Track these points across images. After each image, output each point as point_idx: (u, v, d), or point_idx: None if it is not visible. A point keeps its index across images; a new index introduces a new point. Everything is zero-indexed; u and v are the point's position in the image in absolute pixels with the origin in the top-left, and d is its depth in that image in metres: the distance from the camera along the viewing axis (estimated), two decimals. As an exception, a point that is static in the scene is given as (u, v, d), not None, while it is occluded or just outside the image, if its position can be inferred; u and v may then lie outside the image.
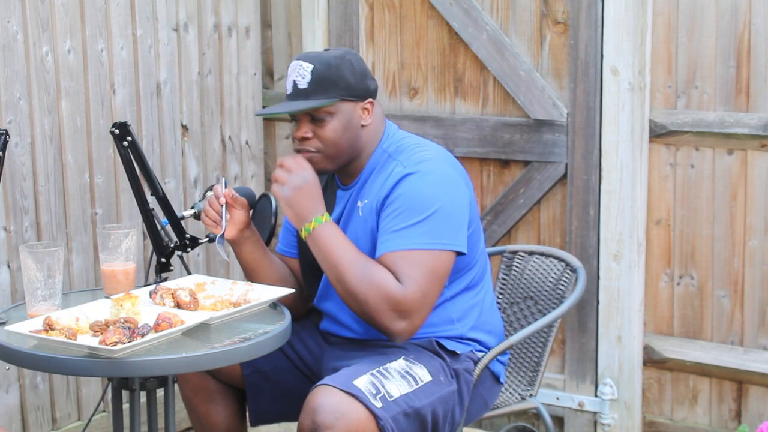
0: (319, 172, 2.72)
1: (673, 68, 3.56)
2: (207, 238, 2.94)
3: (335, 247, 2.59)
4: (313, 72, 2.64)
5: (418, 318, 2.58)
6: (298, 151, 2.70)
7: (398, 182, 2.63)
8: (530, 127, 3.75)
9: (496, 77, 3.79)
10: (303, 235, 2.63)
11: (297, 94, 2.66)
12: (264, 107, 4.22)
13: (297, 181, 2.63)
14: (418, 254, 2.57)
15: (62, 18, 3.39)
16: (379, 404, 2.47)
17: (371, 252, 2.66)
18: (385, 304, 2.54)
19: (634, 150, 3.58)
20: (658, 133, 3.59)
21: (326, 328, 2.84)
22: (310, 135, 2.67)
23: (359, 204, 2.71)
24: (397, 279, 2.56)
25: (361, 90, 2.69)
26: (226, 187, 2.73)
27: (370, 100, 2.71)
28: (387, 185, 2.65)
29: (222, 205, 2.71)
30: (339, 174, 2.79)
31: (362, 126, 2.70)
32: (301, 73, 2.66)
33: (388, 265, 2.57)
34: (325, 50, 2.72)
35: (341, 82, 2.65)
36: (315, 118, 2.65)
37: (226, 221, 2.71)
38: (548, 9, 3.69)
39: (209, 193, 2.77)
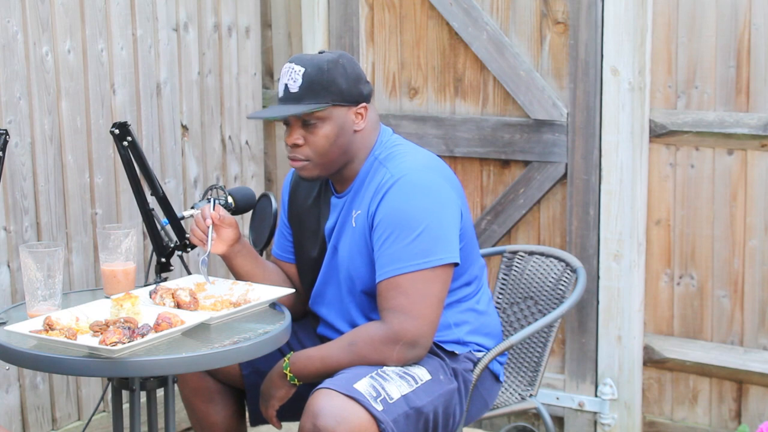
0: (310, 180, 2.72)
1: (673, 68, 3.56)
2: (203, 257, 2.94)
3: (316, 361, 2.63)
4: (304, 76, 2.62)
5: (425, 339, 2.61)
6: (289, 158, 2.69)
7: (385, 194, 2.62)
8: (530, 127, 3.75)
9: (496, 77, 3.78)
10: (296, 382, 2.67)
11: (288, 97, 2.64)
12: (264, 107, 4.22)
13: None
14: (413, 277, 2.57)
15: (62, 18, 3.39)
16: (380, 407, 2.47)
17: (367, 266, 2.67)
18: (390, 349, 2.58)
19: (634, 150, 3.58)
20: (658, 133, 3.59)
21: (323, 332, 2.85)
22: (301, 142, 2.65)
23: (353, 214, 2.70)
24: (384, 314, 2.58)
25: (354, 95, 2.65)
26: (214, 208, 2.73)
27: (363, 105, 2.68)
28: (377, 196, 2.64)
29: (208, 226, 2.71)
30: (332, 179, 2.78)
31: (355, 131, 2.67)
32: (292, 77, 2.63)
33: (381, 297, 2.60)
34: (320, 53, 2.70)
35: (333, 86, 2.62)
36: (307, 123, 2.63)
37: (212, 242, 2.71)
38: (548, 9, 3.69)
39: (196, 212, 2.76)
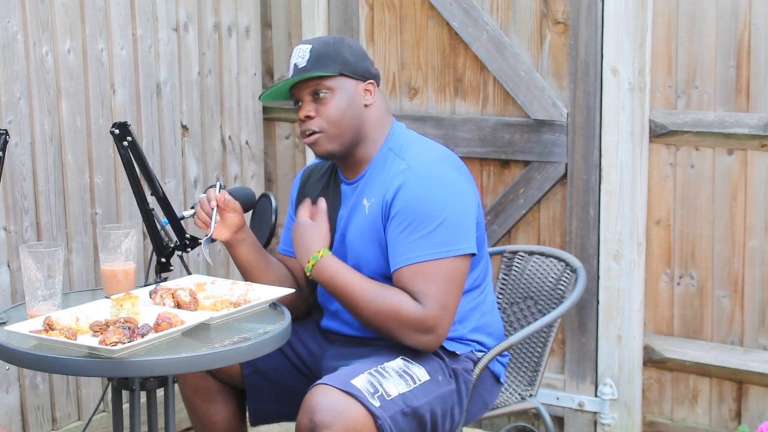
0: (325, 156, 2.74)
1: (673, 68, 3.56)
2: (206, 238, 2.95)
3: (342, 280, 2.62)
4: (311, 51, 2.70)
5: (442, 329, 2.61)
6: (303, 133, 2.72)
7: (402, 185, 2.63)
8: (530, 127, 3.75)
9: (496, 77, 3.79)
10: (307, 273, 2.67)
11: (297, 72, 2.71)
12: (264, 106, 4.23)
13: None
14: (434, 265, 2.58)
15: (62, 18, 3.39)
16: (377, 403, 2.47)
17: (376, 252, 2.67)
18: (407, 327, 2.58)
19: (634, 150, 3.58)
20: (658, 133, 3.59)
21: (327, 325, 2.85)
22: (312, 114, 2.69)
23: (365, 202, 2.71)
24: (415, 297, 2.58)
25: (361, 69, 2.72)
26: (219, 191, 2.74)
27: (371, 81, 2.74)
28: (393, 186, 2.65)
29: (213, 209, 2.72)
30: (343, 165, 2.79)
31: (365, 106, 2.72)
32: (300, 55, 2.71)
33: (404, 282, 2.60)
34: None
35: (339, 57, 2.69)
36: (317, 96, 2.68)
37: (215, 224, 2.72)
38: (548, 9, 3.69)
39: (202, 195, 2.78)
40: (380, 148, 2.73)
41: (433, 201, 2.61)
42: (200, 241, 2.92)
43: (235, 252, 2.81)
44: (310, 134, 2.70)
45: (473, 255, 2.67)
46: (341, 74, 2.68)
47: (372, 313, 2.59)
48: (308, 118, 2.70)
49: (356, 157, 2.75)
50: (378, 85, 2.77)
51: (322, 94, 2.68)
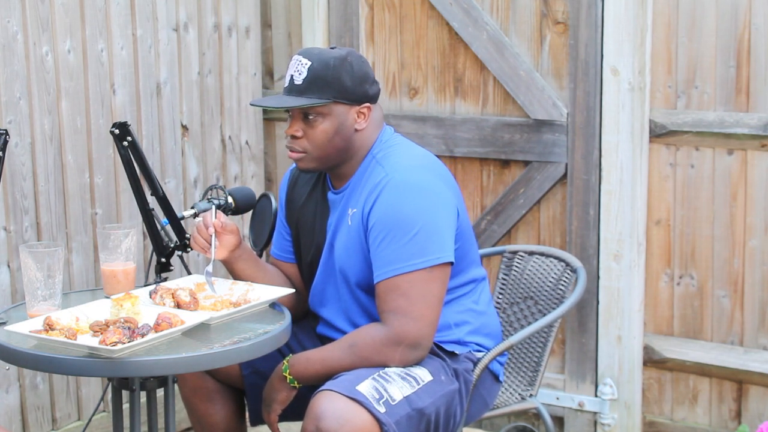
0: (307, 172, 2.74)
1: (673, 68, 3.56)
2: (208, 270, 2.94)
3: (316, 363, 2.63)
4: (309, 69, 2.63)
5: (426, 340, 2.61)
6: (288, 148, 2.70)
7: (379, 194, 2.62)
8: (530, 127, 3.75)
9: (496, 77, 3.79)
10: (296, 385, 2.67)
11: (292, 89, 2.65)
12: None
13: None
14: (410, 278, 2.57)
15: (62, 18, 3.39)
16: (382, 409, 2.47)
17: (361, 263, 2.67)
18: (392, 351, 2.58)
19: (634, 150, 3.58)
20: (658, 133, 3.59)
21: (323, 332, 2.85)
22: (300, 134, 2.66)
23: (349, 212, 2.71)
24: (394, 313, 2.57)
25: (358, 94, 2.66)
26: (216, 215, 2.73)
27: (367, 104, 2.69)
28: (371, 196, 2.64)
29: (211, 235, 2.72)
30: (330, 175, 2.78)
31: (356, 130, 2.68)
32: (298, 69, 2.65)
33: (381, 299, 2.60)
34: (331, 48, 2.69)
35: (337, 83, 2.62)
36: (307, 116, 2.65)
37: (215, 250, 2.72)
38: (548, 9, 3.69)
39: (198, 220, 2.77)
40: (365, 157, 2.71)
41: (408, 210, 2.59)
42: (205, 262, 2.91)
43: (233, 268, 2.82)
44: (294, 152, 2.69)
45: (452, 263, 2.65)
46: (335, 101, 2.63)
47: (358, 364, 2.59)
48: (294, 137, 2.67)
49: (341, 170, 2.73)
50: (376, 102, 2.72)
51: (311, 117, 2.64)
